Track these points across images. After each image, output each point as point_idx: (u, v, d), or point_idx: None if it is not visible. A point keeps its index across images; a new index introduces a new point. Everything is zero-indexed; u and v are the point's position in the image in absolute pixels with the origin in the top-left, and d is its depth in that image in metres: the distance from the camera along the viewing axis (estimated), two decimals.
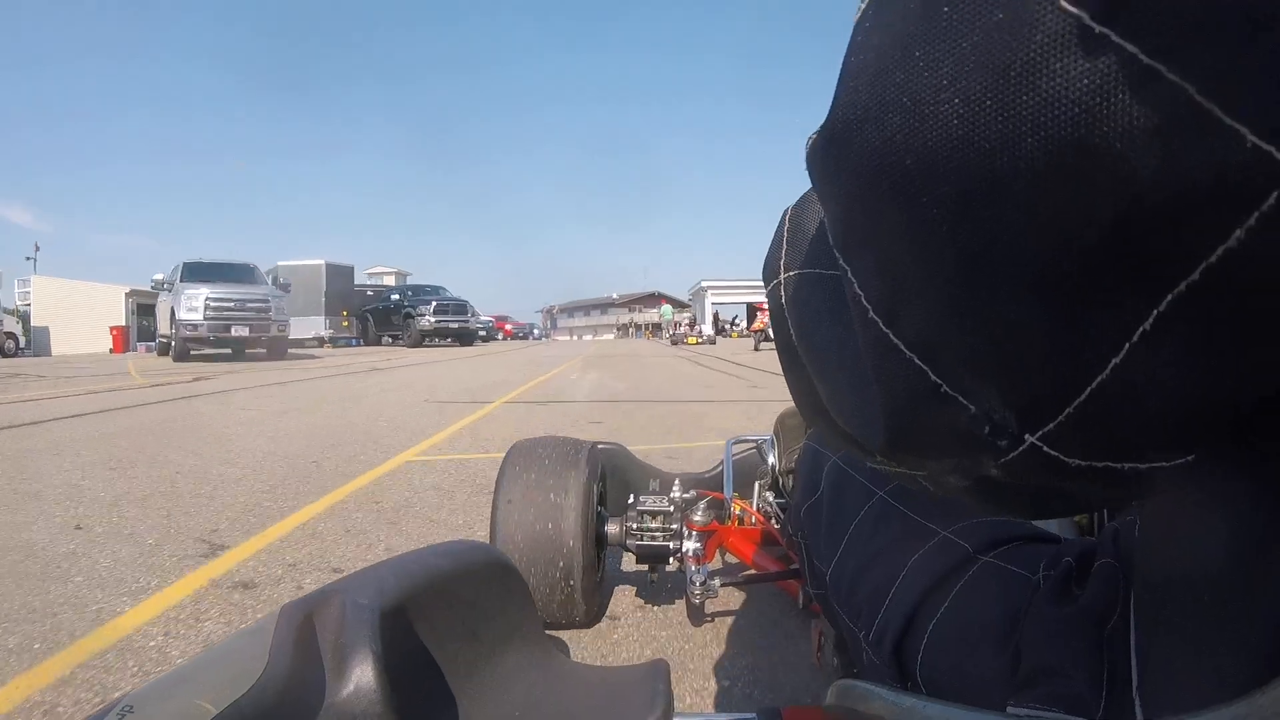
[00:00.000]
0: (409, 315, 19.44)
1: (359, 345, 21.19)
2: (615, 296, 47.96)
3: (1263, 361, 0.17)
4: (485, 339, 23.47)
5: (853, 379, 0.25)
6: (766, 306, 0.32)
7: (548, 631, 0.49)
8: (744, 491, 1.33)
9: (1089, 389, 0.18)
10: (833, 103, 0.21)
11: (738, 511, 1.22)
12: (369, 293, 22.60)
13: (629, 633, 1.22)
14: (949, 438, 0.21)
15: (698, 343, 24.02)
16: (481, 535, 1.58)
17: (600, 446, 1.30)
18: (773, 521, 1.19)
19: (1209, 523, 0.25)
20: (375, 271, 58.59)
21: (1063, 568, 0.38)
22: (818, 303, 0.28)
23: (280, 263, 21.17)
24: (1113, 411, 0.18)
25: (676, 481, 1.23)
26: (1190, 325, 0.16)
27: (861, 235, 0.21)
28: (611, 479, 1.34)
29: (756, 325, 17.51)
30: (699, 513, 1.14)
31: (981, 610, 0.40)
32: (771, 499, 1.25)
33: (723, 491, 1.29)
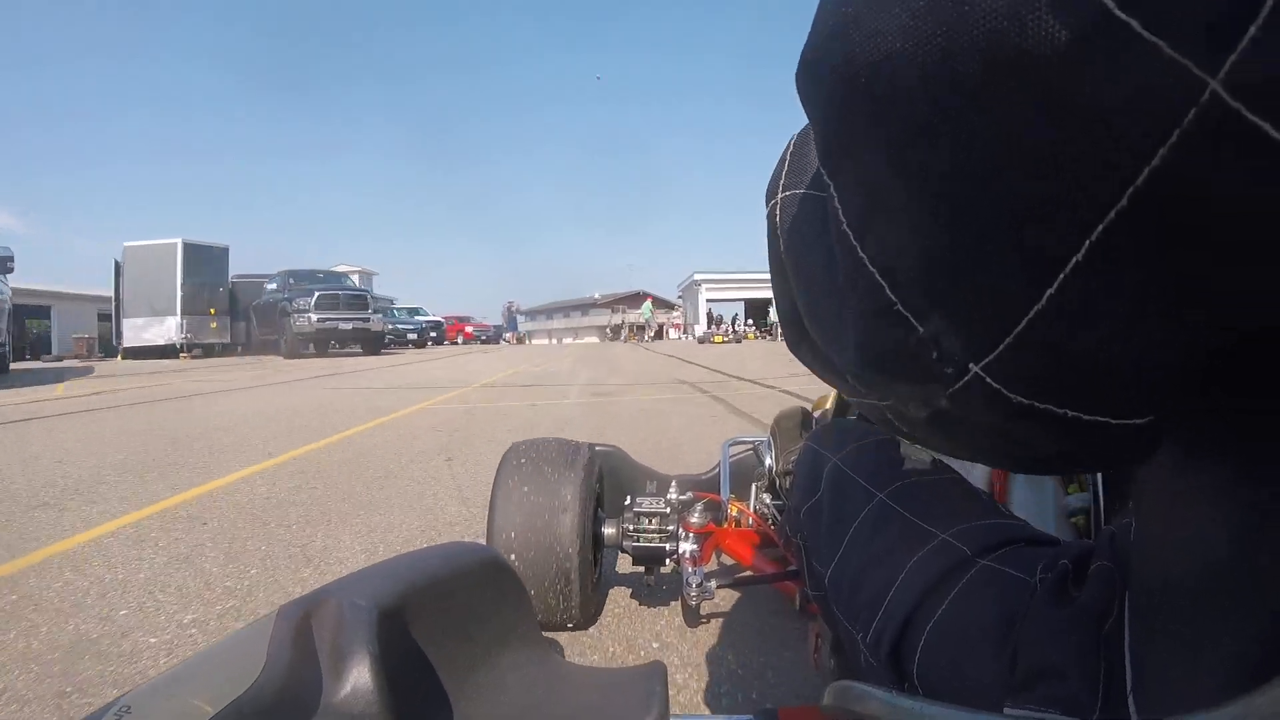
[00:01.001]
0: (285, 312, 14.09)
1: (239, 354, 16.32)
2: (597, 296, 43.13)
3: (1206, 302, 0.17)
4: (418, 343, 19.88)
5: (831, 297, 0.26)
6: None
7: (544, 633, 0.49)
8: (741, 493, 1.33)
9: (1026, 318, 0.18)
10: (811, 25, 0.22)
11: (734, 513, 1.22)
12: (269, 285, 16.41)
13: (625, 634, 1.22)
14: (904, 361, 0.22)
15: (724, 341, 21.77)
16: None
17: (598, 448, 1.30)
18: (769, 523, 1.19)
19: (1205, 525, 0.25)
20: (338, 270, 55.81)
21: (1059, 570, 0.38)
22: (808, 222, 0.29)
23: (127, 243, 16.34)
24: (1050, 345, 0.19)
25: (673, 483, 1.23)
26: (1121, 257, 0.16)
27: (839, 149, 0.22)
28: (609, 480, 1.34)
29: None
30: (696, 514, 1.14)
31: (979, 613, 0.40)
32: (768, 500, 1.25)
33: (719, 493, 1.29)
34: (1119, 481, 0.76)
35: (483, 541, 1.14)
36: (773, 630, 1.21)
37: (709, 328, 27.96)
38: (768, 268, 0.34)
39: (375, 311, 14.80)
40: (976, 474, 0.85)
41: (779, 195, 0.31)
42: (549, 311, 48.33)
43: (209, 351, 15.88)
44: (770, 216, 0.32)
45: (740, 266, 36.58)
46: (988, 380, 0.20)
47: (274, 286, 15.87)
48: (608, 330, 30.51)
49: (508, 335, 28.15)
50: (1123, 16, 0.14)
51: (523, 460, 1.16)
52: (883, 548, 0.49)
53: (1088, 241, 0.16)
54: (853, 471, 0.57)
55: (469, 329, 29.38)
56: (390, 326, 19.09)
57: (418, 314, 25.95)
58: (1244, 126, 0.13)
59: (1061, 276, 0.17)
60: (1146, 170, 0.15)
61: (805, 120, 0.30)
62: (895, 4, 0.17)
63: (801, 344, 0.33)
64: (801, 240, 0.29)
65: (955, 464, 0.59)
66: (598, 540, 1.19)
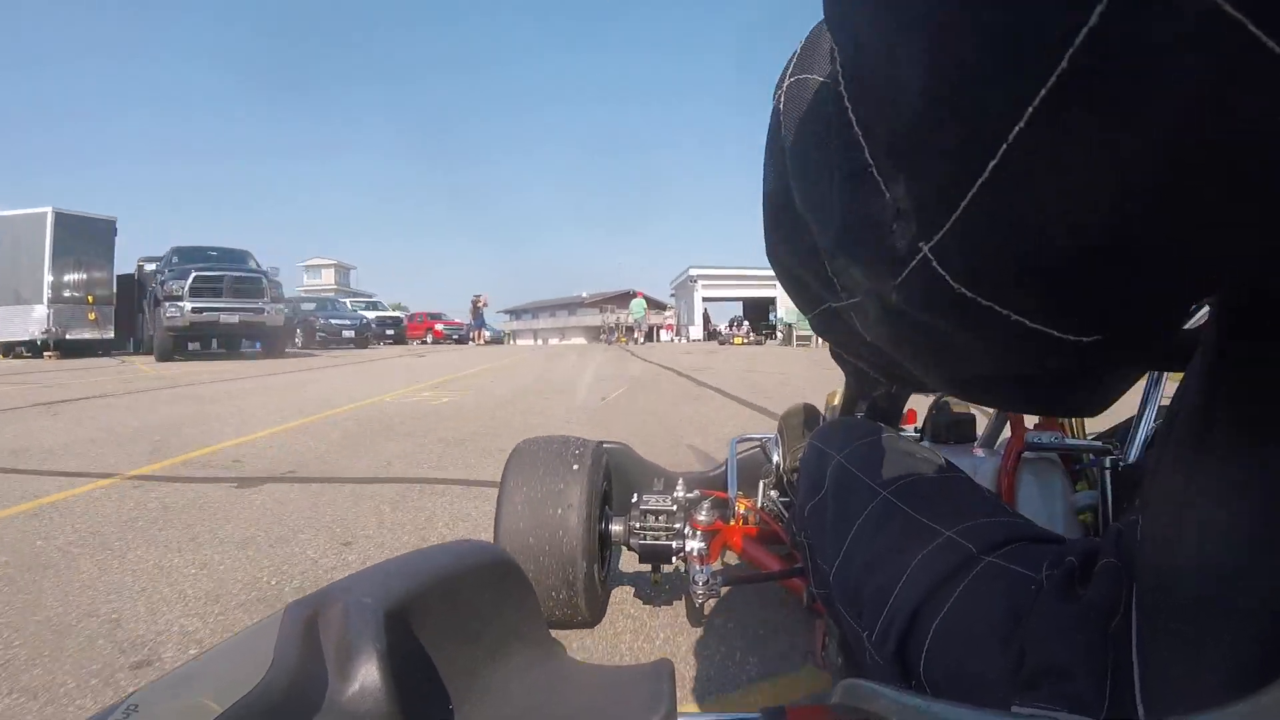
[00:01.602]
0: (156, 300, 10.52)
1: (128, 353, 12.63)
2: (584, 295, 39.89)
3: (1148, 192, 0.17)
4: (358, 342, 16.44)
5: (823, 170, 0.27)
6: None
7: (551, 631, 0.49)
8: (748, 491, 1.33)
9: (971, 191, 0.19)
10: None
11: (742, 511, 1.22)
12: (148, 267, 12.58)
13: (632, 632, 1.22)
14: (870, 232, 0.23)
15: (744, 343, 20.74)
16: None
17: (605, 445, 1.30)
18: (777, 520, 1.19)
19: (1214, 524, 0.25)
20: (314, 264, 50.23)
21: (1066, 567, 0.38)
22: (811, 103, 0.30)
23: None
24: (992, 227, 0.19)
25: (680, 481, 1.23)
26: (1064, 130, 0.16)
27: (842, 8, 0.23)
28: (616, 478, 1.34)
29: None
30: (703, 512, 1.14)
31: (985, 610, 0.40)
32: (776, 497, 1.25)
33: (727, 491, 1.28)
34: (1126, 479, 0.75)
35: (490, 540, 1.14)
36: (779, 628, 1.21)
37: (727, 329, 25.77)
38: (764, 259, 0.35)
39: (274, 300, 11.11)
40: (982, 473, 0.85)
41: (786, 82, 0.32)
42: (534, 311, 45.56)
43: (84, 350, 12.04)
44: (775, 105, 0.33)
45: (740, 263, 32.75)
46: (933, 263, 0.21)
47: (152, 268, 11.79)
48: (603, 333, 27.43)
49: (474, 334, 23.71)
50: None
51: (530, 458, 1.16)
52: (887, 545, 0.49)
53: (1029, 108, 0.16)
54: (857, 469, 0.57)
55: (439, 327, 26.39)
56: (322, 321, 16.56)
57: (376, 307, 23.16)
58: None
59: (1004, 147, 0.17)
60: (1084, 30, 0.14)
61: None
62: None
63: (780, 232, 0.35)
64: (803, 119, 0.30)
65: (960, 463, 0.59)
66: (605, 538, 1.19)
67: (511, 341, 35.11)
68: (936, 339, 0.25)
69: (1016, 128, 0.17)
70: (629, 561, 1.41)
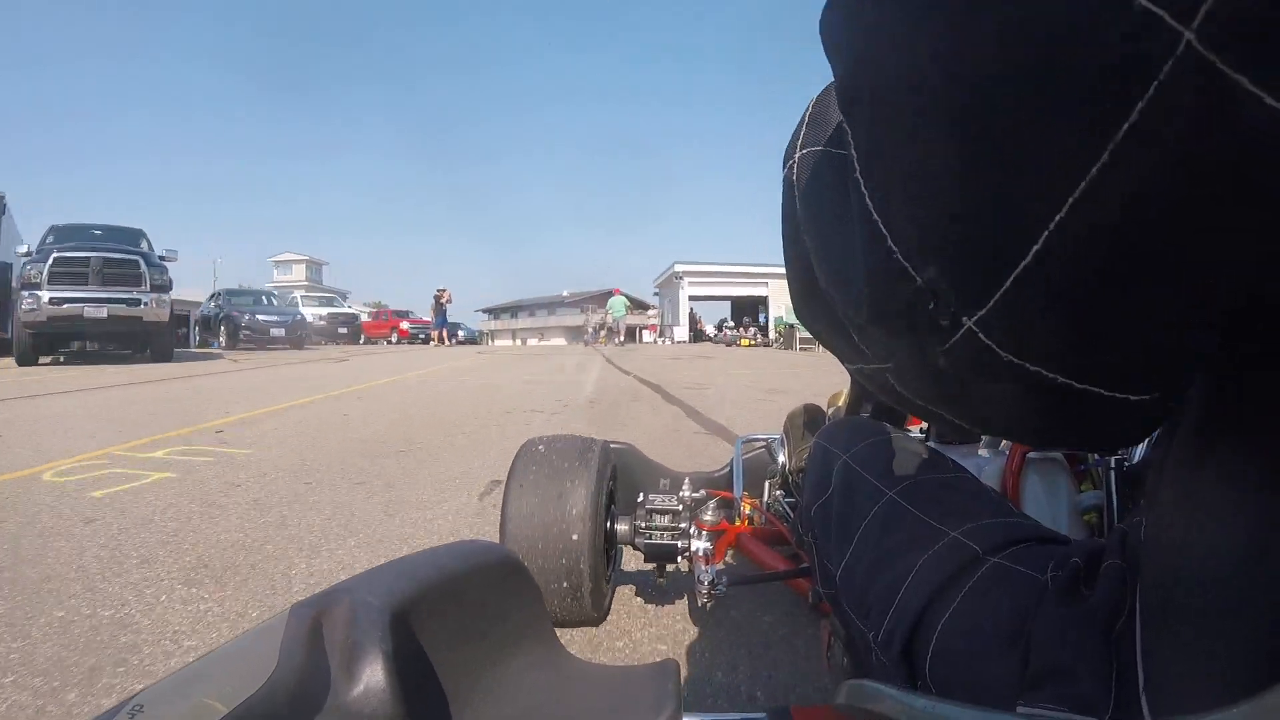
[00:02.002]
0: (13, 291, 8.55)
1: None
2: (566, 294, 38.59)
3: (1193, 268, 0.17)
4: (292, 342, 14.05)
5: (846, 249, 0.26)
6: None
7: (557, 630, 0.49)
8: (754, 491, 1.33)
9: (1014, 274, 0.18)
10: None
11: (748, 511, 1.22)
12: (19, 248, 9.60)
13: (637, 632, 1.22)
14: (904, 313, 0.23)
15: (751, 345, 19.33)
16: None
17: (612, 445, 1.30)
18: (783, 520, 1.19)
19: (1220, 526, 0.25)
20: (283, 259, 48.40)
21: (1070, 568, 0.38)
22: (826, 177, 0.29)
23: None
24: (1039, 301, 0.19)
25: (686, 480, 1.23)
26: (1104, 216, 0.16)
27: (855, 90, 0.22)
28: (622, 477, 1.34)
29: None
30: (709, 512, 1.14)
31: (990, 611, 0.40)
32: (781, 497, 1.25)
33: (732, 491, 1.29)
34: (1131, 479, 0.75)
35: (495, 539, 1.14)
36: (784, 628, 1.21)
37: (717, 330, 24.61)
38: (780, 237, 0.35)
39: (158, 289, 8.60)
40: (988, 473, 0.84)
41: (797, 154, 0.32)
42: (514, 310, 43.30)
43: None
44: (787, 177, 0.32)
45: (728, 259, 30.45)
46: (979, 335, 0.21)
47: (25, 250, 9.18)
48: (584, 333, 25.01)
49: (435, 333, 20.71)
50: None
51: (536, 457, 1.16)
52: (893, 546, 0.48)
53: (1070, 199, 0.16)
54: (863, 469, 0.57)
55: (404, 325, 24.59)
56: (248, 318, 14.14)
57: (333, 304, 21.58)
58: (1220, 81, 0.13)
59: (1045, 234, 0.17)
60: (1125, 126, 0.15)
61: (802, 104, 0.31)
62: None
63: (809, 305, 0.34)
64: (818, 195, 0.29)
65: (966, 464, 0.59)
66: (610, 538, 1.19)
67: (489, 342, 32.76)
68: (986, 401, 0.25)
69: (1057, 217, 0.17)
70: (635, 561, 1.41)
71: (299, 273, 47.89)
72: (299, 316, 15.37)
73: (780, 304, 23.91)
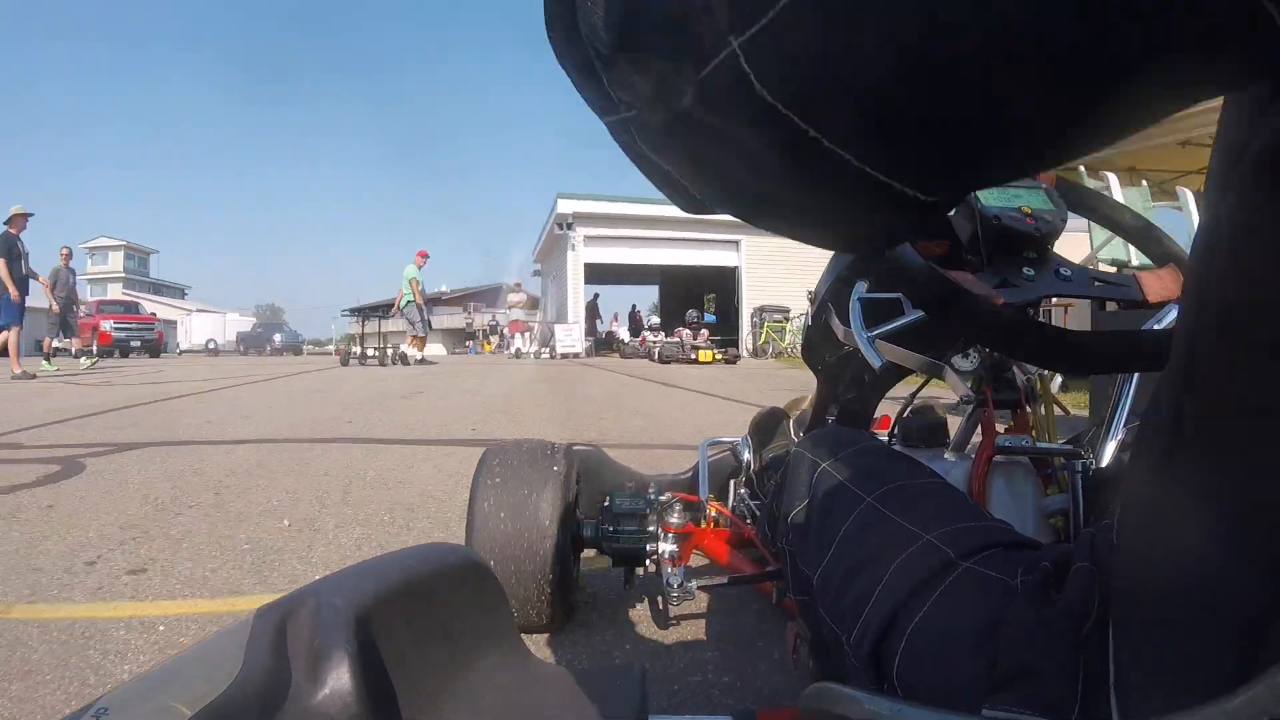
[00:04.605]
0: None
1: None
2: (445, 289, 30.68)
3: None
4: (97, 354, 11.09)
5: None
6: None
7: (523, 634, 0.49)
8: (718, 494, 1.34)
9: None
10: None
11: (713, 513, 1.23)
12: None
13: (604, 635, 1.22)
14: (665, 27, 0.21)
15: (715, 359, 11.36)
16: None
17: (576, 448, 1.30)
18: (748, 522, 1.20)
19: (1183, 527, 0.26)
20: (98, 245, 39.10)
21: (1040, 572, 0.39)
22: None
23: None
24: (806, 31, 0.18)
25: (651, 483, 1.23)
26: None
27: None
28: (587, 481, 1.34)
29: None
30: (675, 514, 1.14)
31: (960, 615, 0.41)
32: (746, 496, 1.26)
33: (698, 494, 1.29)
34: (1097, 483, 0.77)
35: (461, 543, 1.13)
36: (750, 629, 1.22)
37: (641, 333, 15.75)
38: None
39: None
40: (954, 476, 0.86)
41: None
42: (386, 309, 32.01)
43: None
44: None
45: (652, 198, 14.03)
46: (741, 61, 0.19)
47: None
48: (466, 338, 21.16)
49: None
50: None
51: (500, 462, 1.15)
52: (870, 550, 0.49)
53: None
54: (843, 477, 0.58)
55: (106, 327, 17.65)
56: None
57: (134, 310, 18.83)
58: None
59: None
60: None
61: None
62: None
63: (568, 41, 0.29)
64: None
65: (933, 467, 0.60)
66: (576, 541, 1.19)
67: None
68: (731, 150, 0.23)
69: None
70: (600, 563, 1.41)
71: (115, 261, 39.53)
72: None
73: (751, 286, 15.66)
